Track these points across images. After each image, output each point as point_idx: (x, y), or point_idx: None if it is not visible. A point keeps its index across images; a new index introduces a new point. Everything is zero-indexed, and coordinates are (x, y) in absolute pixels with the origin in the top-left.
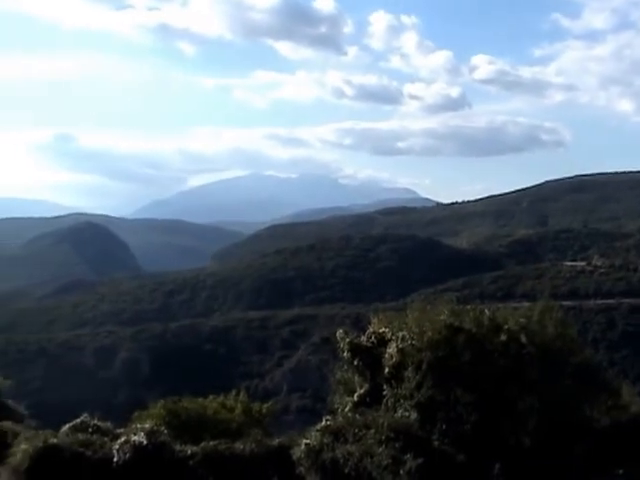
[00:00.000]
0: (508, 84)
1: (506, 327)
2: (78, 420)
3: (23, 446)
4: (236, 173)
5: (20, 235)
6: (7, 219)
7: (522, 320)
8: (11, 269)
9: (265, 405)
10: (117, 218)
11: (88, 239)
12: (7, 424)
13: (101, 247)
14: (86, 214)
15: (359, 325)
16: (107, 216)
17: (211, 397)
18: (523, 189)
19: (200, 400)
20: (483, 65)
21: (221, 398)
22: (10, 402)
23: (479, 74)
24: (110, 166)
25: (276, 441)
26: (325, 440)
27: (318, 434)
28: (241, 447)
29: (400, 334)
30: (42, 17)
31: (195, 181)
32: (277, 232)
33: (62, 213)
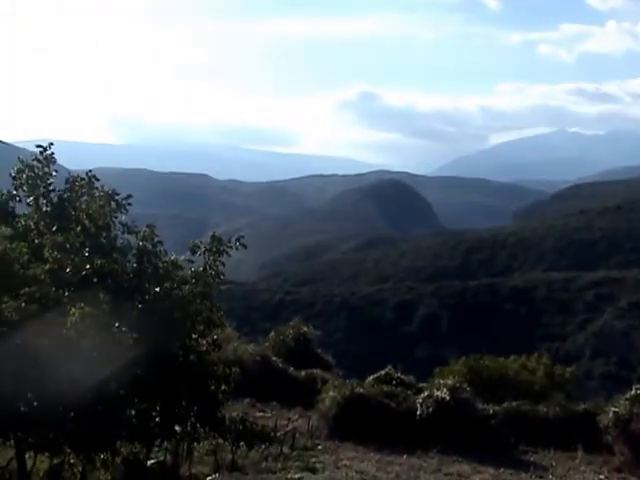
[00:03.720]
0: None
1: None
2: (382, 372)
3: (332, 393)
4: (539, 131)
5: (325, 191)
6: (313, 176)
7: None
8: (317, 224)
9: (568, 369)
10: (419, 176)
11: (391, 196)
12: (317, 371)
13: (403, 204)
14: (388, 171)
15: None
16: (409, 173)
17: (512, 357)
18: None
19: (501, 360)
20: None
21: (522, 359)
22: (319, 351)
23: None
24: (411, 124)
25: (581, 407)
26: (635, 410)
27: (627, 403)
28: (544, 410)
29: None
30: None
31: (496, 139)
32: (582, 191)
33: (365, 170)
